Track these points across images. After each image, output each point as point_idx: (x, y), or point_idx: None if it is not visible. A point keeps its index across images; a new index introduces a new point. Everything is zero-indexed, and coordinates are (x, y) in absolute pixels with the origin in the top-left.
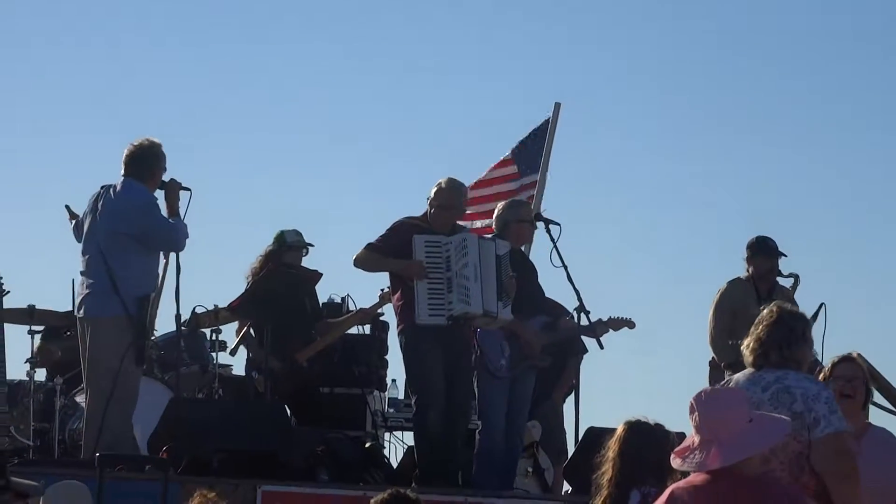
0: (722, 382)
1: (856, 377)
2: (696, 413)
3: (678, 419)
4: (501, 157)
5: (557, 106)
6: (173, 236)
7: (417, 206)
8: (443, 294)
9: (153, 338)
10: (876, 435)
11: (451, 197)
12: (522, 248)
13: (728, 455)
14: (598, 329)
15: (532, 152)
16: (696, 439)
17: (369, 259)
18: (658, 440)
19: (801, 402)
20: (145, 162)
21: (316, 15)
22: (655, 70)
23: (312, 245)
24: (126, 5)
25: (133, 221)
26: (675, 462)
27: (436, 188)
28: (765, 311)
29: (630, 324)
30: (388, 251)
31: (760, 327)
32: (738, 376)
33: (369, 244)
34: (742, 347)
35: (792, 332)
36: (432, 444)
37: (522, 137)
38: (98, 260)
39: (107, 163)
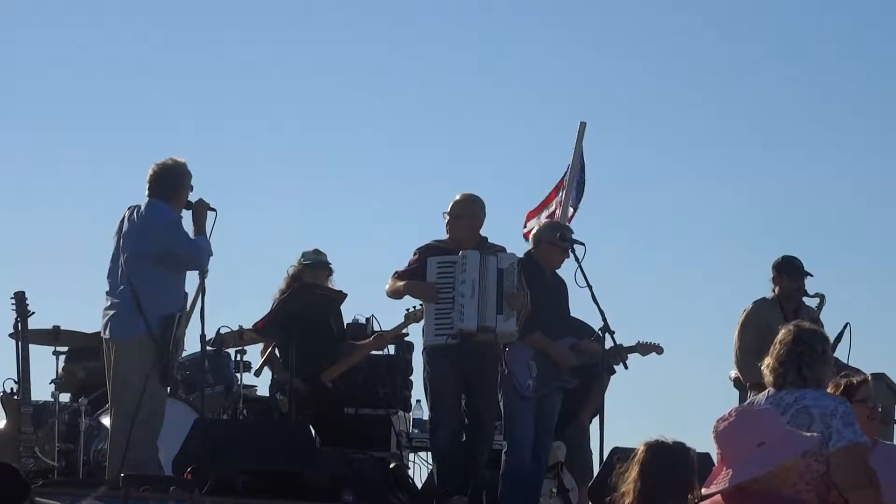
0: (745, 403)
1: (869, 397)
2: (715, 441)
3: (704, 439)
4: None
5: (583, 126)
6: (195, 255)
7: (439, 227)
8: (448, 313)
9: (180, 358)
10: (883, 451)
11: (462, 206)
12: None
13: (735, 477)
14: (621, 354)
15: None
16: (721, 464)
17: (391, 287)
18: (677, 460)
19: (819, 420)
20: (169, 182)
21: (344, 36)
22: (681, 88)
23: (330, 264)
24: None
25: (156, 241)
26: (703, 490)
27: (451, 202)
28: (783, 330)
29: (658, 349)
30: (410, 275)
31: (779, 347)
32: (759, 398)
33: (395, 272)
34: (762, 368)
35: (812, 351)
36: (445, 464)
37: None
38: (123, 280)
39: (133, 181)
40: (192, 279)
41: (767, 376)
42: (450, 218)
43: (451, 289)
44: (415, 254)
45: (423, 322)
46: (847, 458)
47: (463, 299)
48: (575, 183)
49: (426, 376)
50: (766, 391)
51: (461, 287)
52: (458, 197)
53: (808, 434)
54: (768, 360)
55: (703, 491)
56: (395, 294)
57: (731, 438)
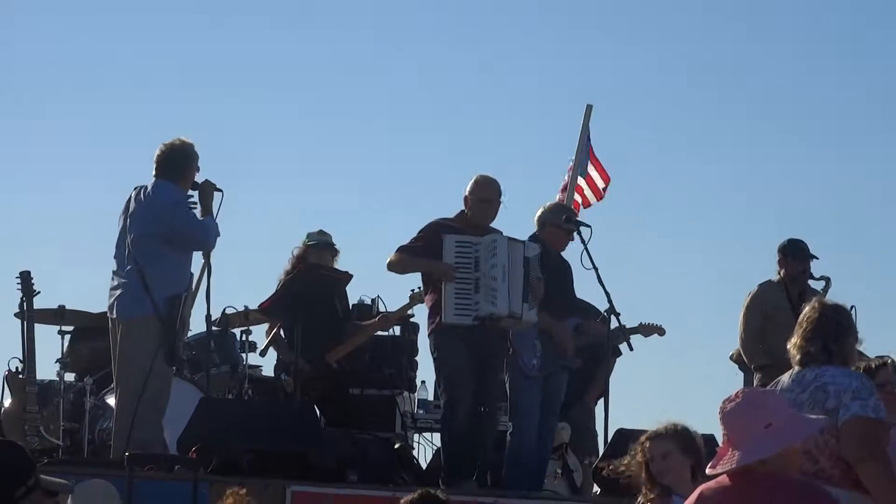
0: (770, 385)
1: (888, 381)
2: (721, 422)
3: (708, 420)
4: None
5: (589, 108)
6: (202, 235)
7: (448, 208)
8: (470, 294)
9: (185, 338)
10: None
11: (490, 190)
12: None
13: (742, 458)
14: (625, 335)
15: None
16: (727, 445)
17: (400, 261)
18: (684, 444)
19: (834, 397)
20: (176, 162)
21: (347, 10)
22: (686, 70)
23: (334, 244)
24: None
25: (162, 221)
26: (709, 470)
27: (474, 183)
28: (807, 308)
29: (660, 331)
30: (420, 252)
31: (805, 324)
32: (784, 377)
33: (401, 246)
34: (788, 346)
35: (838, 327)
36: (459, 443)
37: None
38: (129, 261)
39: (138, 163)
40: (196, 259)
41: (794, 354)
42: (475, 199)
43: (471, 269)
44: (424, 230)
45: (430, 302)
46: (850, 431)
47: (495, 283)
48: (580, 166)
49: (439, 355)
50: (792, 370)
51: (492, 271)
52: (482, 179)
53: (815, 417)
54: (794, 339)
55: (709, 471)
56: (404, 269)
57: (738, 419)
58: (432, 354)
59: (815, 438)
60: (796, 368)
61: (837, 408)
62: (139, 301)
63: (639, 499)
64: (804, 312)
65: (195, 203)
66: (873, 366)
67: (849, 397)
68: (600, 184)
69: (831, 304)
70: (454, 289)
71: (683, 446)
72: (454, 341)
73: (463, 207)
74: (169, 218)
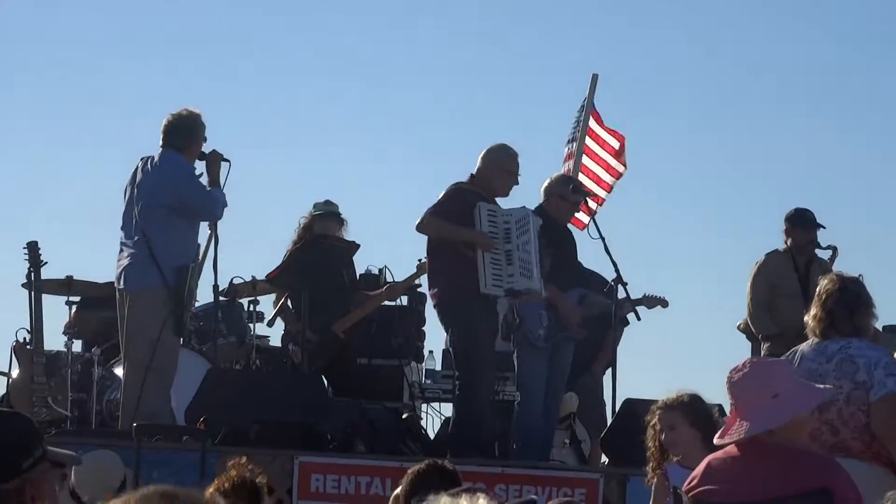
0: (786, 354)
1: None
2: (728, 391)
3: (715, 390)
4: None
5: (594, 77)
6: (209, 205)
7: (453, 176)
8: (501, 266)
9: (193, 308)
10: None
11: (517, 164)
12: None
13: (751, 428)
14: (632, 305)
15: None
16: (735, 415)
17: (433, 224)
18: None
19: (864, 370)
20: (183, 132)
21: None
22: (691, 39)
23: (341, 214)
24: None
25: (169, 191)
26: (716, 440)
27: (503, 153)
28: (826, 280)
29: (663, 302)
30: (456, 219)
31: (825, 296)
32: (804, 347)
33: (433, 209)
34: (806, 318)
35: (858, 299)
36: (482, 418)
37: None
38: (137, 231)
39: (145, 130)
40: (203, 230)
41: (814, 326)
42: (501, 170)
43: (500, 240)
44: (451, 195)
45: (443, 270)
46: (887, 407)
47: (528, 257)
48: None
49: (468, 327)
50: (811, 341)
51: (527, 245)
52: (511, 150)
53: (822, 387)
54: (814, 311)
55: (716, 441)
56: (438, 232)
57: (745, 390)
58: (452, 324)
59: (839, 409)
60: (815, 340)
61: (867, 381)
62: (146, 271)
63: (648, 468)
64: (822, 285)
65: (200, 173)
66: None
67: (882, 373)
68: (614, 143)
69: (850, 277)
70: (491, 259)
71: (692, 419)
72: (482, 314)
73: (473, 173)
74: (176, 188)
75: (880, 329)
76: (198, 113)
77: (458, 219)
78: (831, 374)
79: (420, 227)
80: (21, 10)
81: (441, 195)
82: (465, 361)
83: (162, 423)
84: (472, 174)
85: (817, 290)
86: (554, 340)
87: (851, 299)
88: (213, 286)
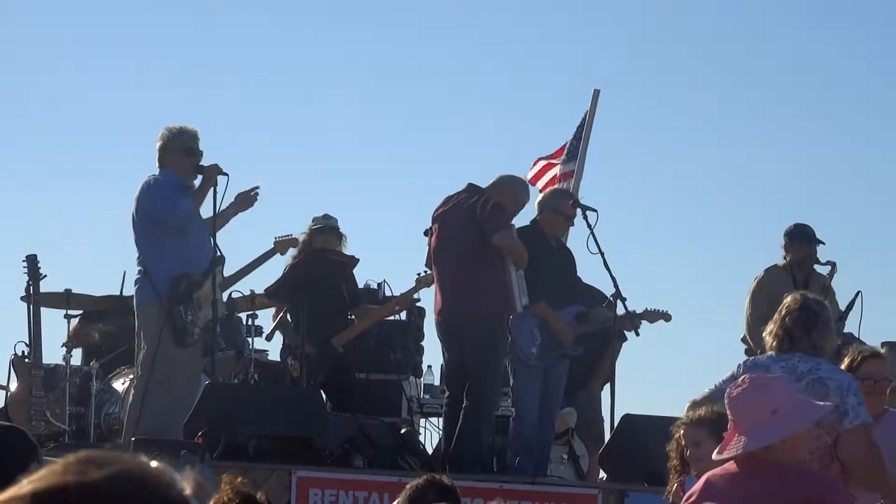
0: (754, 358)
1: (882, 377)
2: (728, 406)
3: None
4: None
5: (596, 93)
6: (162, 216)
7: (452, 188)
8: (523, 284)
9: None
10: (893, 419)
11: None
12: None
13: (748, 444)
14: (633, 320)
15: (572, 139)
16: (733, 430)
17: (516, 241)
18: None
19: (836, 394)
20: (166, 150)
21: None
22: (693, 56)
23: (339, 229)
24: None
25: (139, 206)
26: (715, 455)
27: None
28: (788, 298)
29: (666, 316)
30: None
31: (784, 313)
32: (764, 360)
33: (508, 227)
34: (763, 334)
35: (818, 318)
36: (486, 435)
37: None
38: (136, 249)
39: (144, 146)
40: (238, 245)
41: (769, 342)
42: (525, 199)
43: None
44: (504, 211)
45: (483, 288)
46: (861, 437)
47: (521, 275)
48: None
49: (502, 347)
50: (772, 355)
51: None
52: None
53: (822, 403)
54: (771, 327)
55: (715, 456)
56: (516, 250)
57: (744, 405)
58: (492, 342)
59: (809, 430)
60: (771, 353)
61: (840, 405)
62: (142, 287)
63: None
64: (785, 302)
65: (189, 185)
66: (859, 357)
67: (854, 400)
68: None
69: (814, 297)
70: (519, 276)
71: (718, 435)
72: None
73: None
74: (142, 203)
75: (880, 344)
76: (178, 128)
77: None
78: (802, 394)
79: (503, 241)
80: (24, 18)
81: (490, 209)
82: (487, 381)
83: (160, 437)
84: (475, 185)
85: (779, 307)
86: (547, 358)
87: (809, 319)
88: (213, 300)
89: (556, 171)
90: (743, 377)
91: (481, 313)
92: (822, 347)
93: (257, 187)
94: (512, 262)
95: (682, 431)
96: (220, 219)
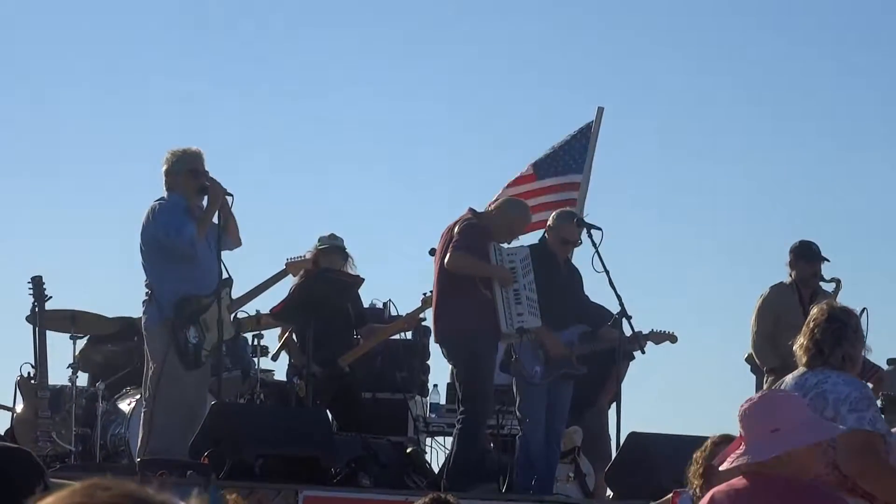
0: (776, 385)
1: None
2: (738, 420)
3: (722, 423)
4: (519, 174)
5: (600, 110)
6: (165, 241)
7: (458, 209)
8: (511, 305)
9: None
10: None
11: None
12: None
13: (740, 458)
14: (639, 341)
15: (575, 154)
16: (737, 444)
17: (468, 263)
18: None
19: (832, 406)
20: (172, 172)
21: (355, 16)
22: (698, 73)
23: (345, 248)
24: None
25: (146, 231)
26: (718, 465)
27: (523, 212)
28: (815, 309)
29: (672, 338)
30: (472, 254)
31: (812, 325)
32: (787, 379)
33: (462, 247)
34: (794, 347)
35: (846, 328)
36: (482, 451)
37: (548, 151)
38: (142, 271)
39: (150, 169)
40: (235, 261)
41: (801, 356)
42: (520, 222)
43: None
44: (473, 231)
45: (458, 305)
46: (847, 443)
47: (533, 295)
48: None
49: (481, 364)
50: (796, 372)
51: (531, 284)
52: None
53: (833, 425)
54: (801, 340)
55: (717, 465)
56: (472, 270)
57: (749, 421)
58: (464, 360)
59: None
60: (801, 370)
61: (834, 417)
62: (149, 309)
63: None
64: (812, 314)
65: (196, 206)
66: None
67: (845, 409)
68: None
69: (840, 306)
70: (513, 297)
71: None
72: (493, 350)
73: (481, 211)
74: (146, 228)
75: (886, 361)
76: (181, 151)
77: (478, 256)
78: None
79: (454, 266)
80: (37, 31)
81: (456, 231)
82: (476, 397)
83: (166, 458)
84: (475, 210)
85: (807, 318)
86: (551, 377)
87: (837, 329)
88: (218, 320)
89: (532, 185)
90: (759, 393)
91: (461, 331)
92: (853, 357)
93: (231, 195)
94: (497, 283)
95: (710, 450)
96: (205, 222)
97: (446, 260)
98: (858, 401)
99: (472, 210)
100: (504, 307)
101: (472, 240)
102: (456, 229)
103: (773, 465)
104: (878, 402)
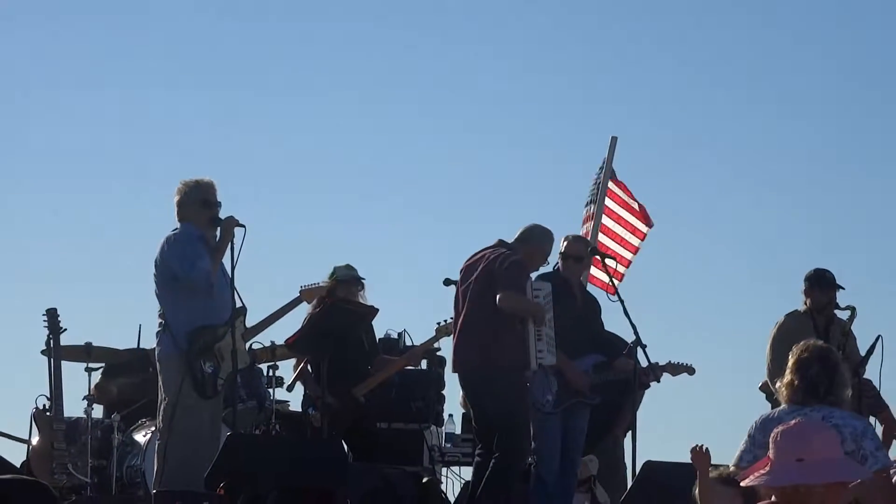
0: (767, 415)
1: None
2: (771, 440)
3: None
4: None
5: (614, 140)
6: (180, 274)
7: (471, 239)
8: (534, 342)
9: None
10: None
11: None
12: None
13: (757, 480)
14: (654, 372)
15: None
16: (763, 462)
17: (520, 301)
18: None
19: (851, 440)
20: (184, 203)
21: (370, 42)
22: (711, 100)
23: (363, 279)
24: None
25: (159, 263)
26: (741, 480)
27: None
28: (798, 349)
29: (690, 370)
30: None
31: (800, 364)
32: (779, 413)
33: (518, 287)
34: (777, 385)
35: (838, 367)
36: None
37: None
38: (156, 301)
39: (163, 199)
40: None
41: (784, 392)
42: (543, 255)
43: None
44: (522, 269)
45: (498, 340)
46: (882, 482)
47: (552, 332)
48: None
49: (521, 401)
50: (785, 408)
51: (552, 321)
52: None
53: (859, 467)
54: (789, 377)
55: (743, 482)
56: (520, 309)
57: (780, 445)
58: (497, 393)
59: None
60: (794, 406)
61: (855, 451)
62: (163, 340)
63: None
64: (797, 353)
65: (210, 237)
66: None
67: (871, 445)
68: (634, 205)
69: (823, 344)
70: (544, 333)
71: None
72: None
73: (504, 239)
74: (162, 259)
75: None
76: (195, 182)
77: (523, 293)
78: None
79: (506, 303)
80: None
81: (505, 269)
82: (514, 432)
83: (181, 489)
84: (506, 242)
85: (791, 358)
86: (564, 405)
87: (831, 371)
88: (232, 350)
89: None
90: (798, 419)
91: (498, 366)
92: (842, 397)
93: (243, 227)
94: (530, 320)
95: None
96: (218, 256)
97: (499, 298)
98: (877, 436)
99: (503, 242)
100: (534, 343)
101: (522, 279)
102: (505, 266)
103: (790, 493)
104: None
